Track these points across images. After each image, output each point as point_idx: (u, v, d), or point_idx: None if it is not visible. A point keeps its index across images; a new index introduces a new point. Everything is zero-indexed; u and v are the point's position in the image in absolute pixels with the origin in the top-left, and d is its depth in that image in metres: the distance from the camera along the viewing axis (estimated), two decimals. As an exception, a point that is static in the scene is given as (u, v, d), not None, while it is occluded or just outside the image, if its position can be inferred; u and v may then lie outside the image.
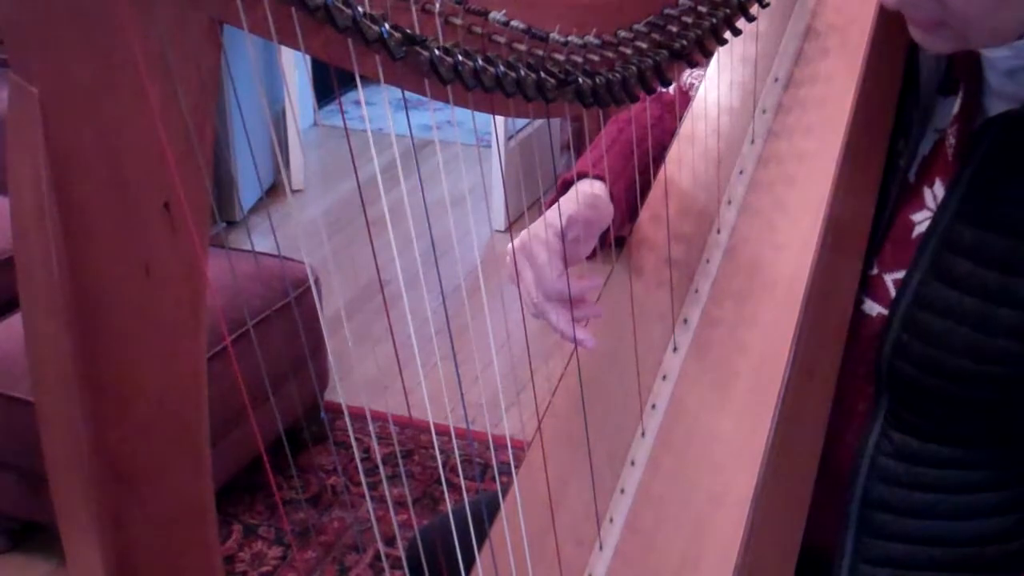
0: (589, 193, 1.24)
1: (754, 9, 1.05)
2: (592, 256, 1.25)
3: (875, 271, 1.15)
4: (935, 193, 1.11)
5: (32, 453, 1.78)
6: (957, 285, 1.05)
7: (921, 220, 1.11)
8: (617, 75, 0.91)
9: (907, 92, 1.17)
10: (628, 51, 0.93)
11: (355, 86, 0.75)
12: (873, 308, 1.13)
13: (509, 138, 4.04)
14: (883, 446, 1.13)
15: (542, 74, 0.84)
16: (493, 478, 2.64)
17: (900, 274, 1.11)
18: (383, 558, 2.42)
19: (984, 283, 1.03)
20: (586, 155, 1.31)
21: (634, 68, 0.93)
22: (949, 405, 1.08)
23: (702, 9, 0.99)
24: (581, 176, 1.27)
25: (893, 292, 1.11)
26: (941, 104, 1.13)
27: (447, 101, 0.81)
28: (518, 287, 1.18)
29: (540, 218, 1.20)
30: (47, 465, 0.78)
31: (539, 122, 4.05)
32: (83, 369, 0.72)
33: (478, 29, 0.79)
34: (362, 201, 0.89)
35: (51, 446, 0.77)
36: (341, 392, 2.87)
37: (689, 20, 0.98)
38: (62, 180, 0.67)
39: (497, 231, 4.04)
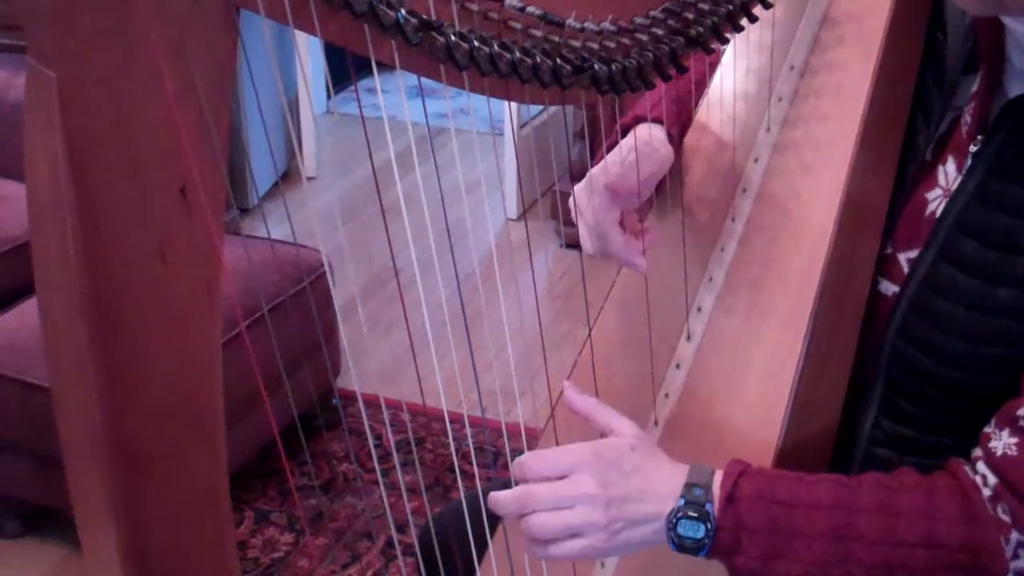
0: (647, 138, 1.24)
1: (770, -4, 1.04)
2: (649, 204, 1.26)
3: (889, 251, 1.14)
4: (947, 171, 1.10)
5: (47, 438, 1.78)
6: (962, 266, 1.04)
7: (934, 199, 1.11)
8: (633, 62, 0.91)
9: (930, 71, 1.16)
10: (644, 38, 0.92)
11: (369, 73, 0.74)
12: (889, 288, 1.13)
13: (522, 126, 4.03)
14: (875, 436, 1.13)
15: (558, 60, 0.84)
16: (505, 466, 2.63)
17: (913, 253, 1.11)
18: (395, 545, 2.42)
19: (986, 263, 1.03)
20: (642, 100, 1.31)
21: (650, 55, 0.92)
22: (944, 391, 1.07)
23: (718, -4, 0.99)
24: (639, 120, 1.27)
25: (907, 271, 1.11)
26: (962, 83, 1.13)
27: (463, 87, 0.81)
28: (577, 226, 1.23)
29: (601, 161, 1.22)
30: (63, 450, 0.78)
31: (553, 109, 4.04)
32: (98, 354, 0.72)
33: (494, 15, 0.79)
34: (377, 188, 0.89)
35: (67, 431, 0.77)
36: (355, 379, 2.87)
37: (705, 7, 0.97)
38: (78, 164, 0.67)
39: (510, 219, 4.03)
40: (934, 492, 0.96)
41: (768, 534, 0.94)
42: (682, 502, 0.94)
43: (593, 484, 0.94)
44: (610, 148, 1.25)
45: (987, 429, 0.98)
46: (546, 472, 0.96)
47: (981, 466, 0.96)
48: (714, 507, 0.94)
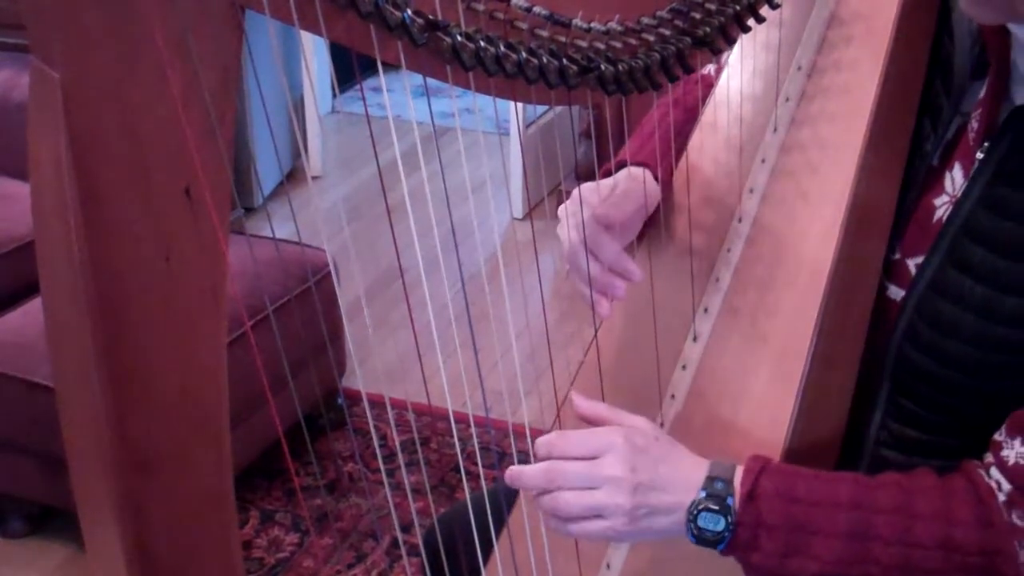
0: (630, 182, 1.23)
1: (777, -4, 1.04)
2: (640, 238, 1.25)
3: (897, 256, 1.14)
4: (954, 177, 1.10)
5: (51, 438, 1.78)
6: (969, 272, 1.04)
7: (941, 205, 1.10)
8: (639, 62, 0.91)
9: (938, 76, 1.16)
10: (651, 38, 0.92)
11: (375, 72, 0.74)
12: (897, 293, 1.13)
13: (528, 125, 4.03)
14: (882, 437, 1.13)
15: (564, 61, 0.84)
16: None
17: (921, 259, 1.10)
18: (400, 545, 2.42)
19: (995, 270, 1.03)
20: (631, 141, 1.31)
21: (656, 55, 0.92)
22: (950, 394, 1.07)
23: (725, -5, 0.99)
24: (621, 166, 1.26)
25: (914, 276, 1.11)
26: (970, 89, 1.12)
27: (469, 87, 0.80)
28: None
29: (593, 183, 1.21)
30: (67, 451, 0.78)
31: (558, 109, 4.03)
32: (103, 354, 0.72)
33: (500, 15, 0.79)
34: (383, 188, 0.89)
35: (71, 432, 0.77)
36: (360, 378, 2.87)
37: (712, 7, 0.97)
38: (83, 165, 0.67)
39: (516, 218, 4.03)
40: (951, 495, 0.96)
41: (786, 531, 0.95)
42: (703, 495, 0.96)
43: (621, 468, 0.96)
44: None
45: (997, 437, 0.98)
46: (574, 452, 0.97)
47: (995, 472, 0.97)
48: (735, 502, 0.95)
